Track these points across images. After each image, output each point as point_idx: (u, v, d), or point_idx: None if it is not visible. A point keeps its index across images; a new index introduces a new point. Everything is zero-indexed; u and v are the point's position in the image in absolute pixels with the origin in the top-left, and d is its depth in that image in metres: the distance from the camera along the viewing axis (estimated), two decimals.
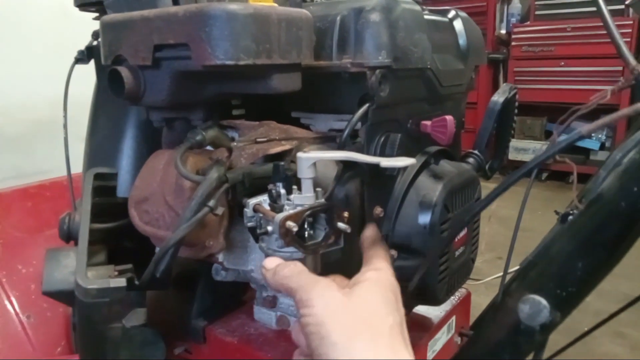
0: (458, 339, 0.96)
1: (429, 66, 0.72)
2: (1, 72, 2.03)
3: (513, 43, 4.17)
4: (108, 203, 0.77)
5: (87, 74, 1.05)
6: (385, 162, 0.53)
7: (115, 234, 0.80)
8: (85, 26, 1.24)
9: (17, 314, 1.17)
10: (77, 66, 1.05)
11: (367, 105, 0.64)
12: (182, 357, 0.93)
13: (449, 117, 0.71)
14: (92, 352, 0.71)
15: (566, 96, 3.87)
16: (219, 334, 0.87)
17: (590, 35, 3.81)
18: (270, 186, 0.58)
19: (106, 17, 0.64)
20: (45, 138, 2.18)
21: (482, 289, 1.94)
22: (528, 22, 4.25)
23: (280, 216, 0.52)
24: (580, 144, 3.87)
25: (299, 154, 0.55)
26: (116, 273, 0.66)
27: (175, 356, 0.93)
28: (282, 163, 0.58)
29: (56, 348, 1.17)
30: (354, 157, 0.56)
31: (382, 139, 0.67)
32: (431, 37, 0.73)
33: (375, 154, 0.66)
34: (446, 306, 0.92)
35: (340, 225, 0.56)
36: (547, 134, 4.19)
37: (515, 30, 4.19)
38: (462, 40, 0.84)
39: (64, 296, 0.63)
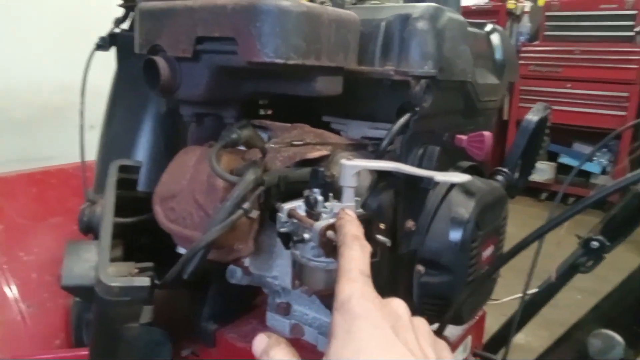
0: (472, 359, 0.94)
1: (469, 79, 0.71)
2: (14, 55, 2.01)
3: (521, 62, 4.17)
4: (127, 197, 0.75)
5: (101, 61, 1.03)
6: (440, 176, 0.51)
7: (133, 229, 0.77)
8: (100, 12, 1.21)
9: (16, 302, 1.15)
10: (88, 52, 1.02)
11: (408, 114, 0.62)
12: (189, 359, 0.90)
13: (487, 133, 0.69)
14: (105, 349, 0.69)
15: (570, 118, 3.89)
16: (230, 339, 0.84)
17: (598, 59, 3.83)
18: (307, 192, 0.56)
19: (144, 4, 0.62)
20: (52, 123, 2.15)
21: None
22: (537, 42, 4.27)
23: (320, 225, 0.50)
24: (582, 167, 3.88)
25: (344, 161, 0.53)
26: (136, 271, 0.64)
27: (181, 358, 0.90)
28: (322, 169, 0.56)
29: (54, 340, 1.14)
30: (403, 169, 0.54)
31: (421, 150, 0.65)
32: (472, 50, 0.72)
33: (412, 166, 0.64)
34: (463, 325, 0.90)
35: (380, 238, 0.54)
36: (549, 155, 4.20)
37: (524, 49, 4.20)
38: (498, 55, 0.82)
39: (82, 291, 0.60)
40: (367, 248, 0.44)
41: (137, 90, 0.97)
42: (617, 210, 0.90)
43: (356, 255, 0.43)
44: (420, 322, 0.41)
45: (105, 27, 1.02)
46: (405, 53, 0.62)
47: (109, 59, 1.03)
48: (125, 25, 1.03)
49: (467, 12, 4.50)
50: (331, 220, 0.52)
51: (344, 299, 0.38)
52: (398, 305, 0.40)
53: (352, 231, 0.46)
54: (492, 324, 1.20)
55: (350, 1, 0.81)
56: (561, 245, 0.86)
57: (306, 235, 0.53)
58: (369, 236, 0.54)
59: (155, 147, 0.96)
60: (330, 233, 0.50)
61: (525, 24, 4.53)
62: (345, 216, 0.49)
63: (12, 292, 1.14)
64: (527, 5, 4.55)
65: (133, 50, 0.95)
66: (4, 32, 2.00)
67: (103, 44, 1.00)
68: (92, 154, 1.03)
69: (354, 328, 0.36)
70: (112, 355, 0.70)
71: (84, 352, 0.95)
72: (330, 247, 0.50)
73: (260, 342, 0.40)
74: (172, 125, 0.97)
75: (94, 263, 0.60)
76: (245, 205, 0.54)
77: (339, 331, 0.36)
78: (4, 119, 2.05)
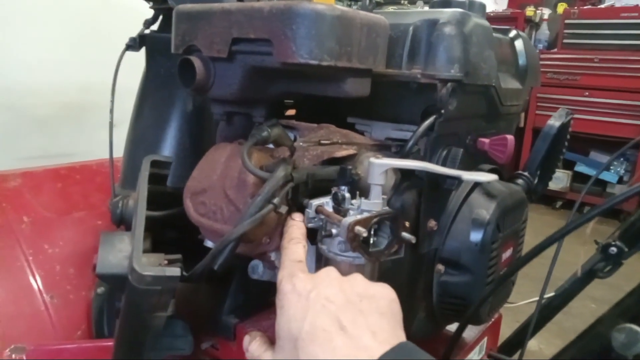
0: None
1: (493, 84, 0.72)
2: (37, 54, 2.05)
3: None
4: (156, 191, 0.77)
5: (123, 62, 1.05)
6: (467, 175, 0.53)
7: (160, 223, 0.80)
8: (121, 14, 1.24)
9: (40, 293, 1.17)
10: (109, 53, 1.05)
11: (434, 117, 0.64)
12: (209, 352, 0.92)
13: (509, 137, 0.71)
14: (132, 338, 0.71)
15: (588, 127, 3.87)
16: None
17: (617, 67, 3.81)
18: (335, 189, 0.58)
19: (182, 7, 0.65)
20: (73, 122, 2.19)
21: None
22: (555, 50, 4.25)
23: (349, 220, 0.52)
24: (599, 176, 3.86)
25: (373, 160, 0.55)
26: (166, 262, 0.66)
27: (201, 351, 0.92)
28: (350, 167, 0.57)
29: (76, 331, 1.17)
30: (431, 168, 0.56)
31: (445, 152, 0.67)
32: (497, 55, 0.73)
33: None
34: (479, 327, 0.91)
35: (405, 235, 0.55)
36: (566, 163, 4.17)
37: (542, 56, 4.19)
38: (522, 61, 0.83)
39: (115, 280, 0.63)
40: (301, 244, 0.55)
41: (164, 89, 1.00)
42: (636, 216, 0.90)
43: (289, 251, 0.54)
44: (353, 276, 0.50)
45: (125, 31, 1.05)
46: (432, 57, 0.64)
47: (132, 61, 1.06)
48: (154, 27, 1.06)
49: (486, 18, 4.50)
50: (359, 216, 0.53)
51: (277, 283, 0.50)
52: (325, 271, 0.50)
53: (291, 235, 0.56)
54: (505, 330, 1.20)
55: (369, 6, 0.83)
56: (586, 244, 0.87)
57: (334, 230, 0.55)
58: (395, 233, 0.56)
59: (181, 145, 0.98)
60: (358, 228, 0.51)
61: (544, 32, 4.52)
62: (291, 222, 0.58)
63: (36, 283, 1.17)
64: (546, 13, 4.54)
65: (162, 51, 0.98)
66: (29, 34, 2.05)
67: (133, 45, 1.03)
68: (116, 151, 1.06)
69: (283, 303, 0.47)
70: (138, 344, 0.72)
71: (107, 342, 0.98)
72: (358, 242, 0.52)
73: (245, 341, 0.55)
74: (197, 123, 0.99)
75: (127, 253, 0.63)
76: (275, 201, 0.56)
77: (277, 309, 0.48)
78: (27, 117, 2.09)
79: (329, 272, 0.50)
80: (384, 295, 0.48)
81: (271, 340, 0.54)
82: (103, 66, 1.07)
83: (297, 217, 0.59)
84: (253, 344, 0.54)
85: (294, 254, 0.53)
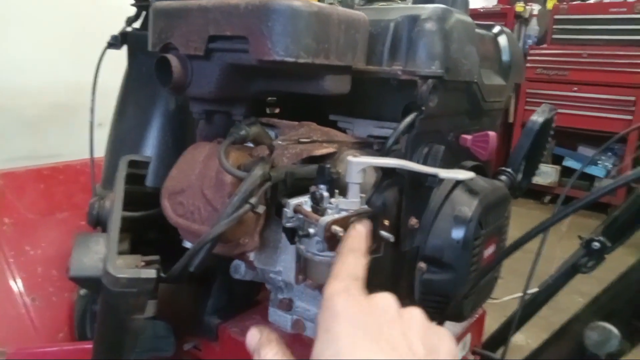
0: (472, 357, 0.95)
1: (475, 80, 0.72)
2: (26, 55, 2.03)
3: (528, 64, 4.16)
4: (135, 191, 0.76)
5: (109, 62, 1.04)
6: (444, 173, 0.52)
7: (140, 224, 0.78)
8: (110, 14, 1.22)
9: (22, 295, 1.16)
10: (98, 53, 1.04)
11: (414, 114, 0.63)
12: (192, 353, 0.91)
13: (491, 133, 0.70)
14: (110, 341, 0.70)
15: (577, 122, 3.88)
16: (233, 333, 0.85)
17: (606, 62, 3.82)
18: (313, 188, 0.57)
19: (159, 4, 0.63)
20: (60, 122, 2.18)
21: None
22: (544, 45, 4.26)
23: (326, 220, 0.51)
24: (587, 170, 3.88)
25: (350, 158, 0.54)
26: (143, 263, 0.65)
27: (184, 352, 0.91)
28: (328, 165, 0.57)
29: (58, 333, 1.15)
30: (409, 166, 0.55)
31: (426, 149, 0.66)
32: (479, 51, 0.73)
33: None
34: (463, 323, 0.90)
35: (384, 234, 0.55)
36: (555, 158, 4.19)
37: (531, 52, 4.19)
38: (505, 57, 0.83)
39: (90, 282, 0.61)
40: (362, 260, 0.44)
41: (146, 88, 0.98)
42: (620, 211, 0.91)
43: (347, 262, 0.43)
44: (411, 313, 0.39)
45: (114, 31, 1.04)
46: (413, 53, 0.63)
47: (118, 59, 1.04)
48: (136, 25, 1.04)
49: (476, 14, 4.50)
50: (336, 216, 0.53)
51: (327, 297, 0.38)
52: (383, 300, 0.39)
53: (351, 245, 0.46)
54: (493, 325, 1.21)
55: (359, 2, 0.83)
56: (562, 241, 0.87)
57: (311, 230, 0.54)
58: (373, 232, 0.55)
59: (163, 144, 0.97)
60: (335, 228, 0.51)
61: (534, 27, 4.53)
62: (353, 232, 0.49)
63: (17, 285, 1.16)
64: (536, 9, 4.55)
65: (144, 49, 0.97)
66: (18, 34, 2.03)
67: (115, 43, 1.01)
68: (100, 151, 1.05)
69: (333, 327, 0.35)
70: (117, 347, 0.71)
71: (88, 345, 0.97)
72: (335, 242, 0.51)
73: (252, 338, 0.41)
74: (180, 122, 0.98)
75: (102, 255, 0.62)
76: (253, 200, 0.55)
77: (320, 330, 0.36)
78: (15, 117, 2.07)
79: (386, 300, 0.39)
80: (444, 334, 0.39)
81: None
82: (92, 67, 1.05)
83: (363, 226, 0.50)
84: (267, 351, 0.41)
85: (352, 268, 0.42)
